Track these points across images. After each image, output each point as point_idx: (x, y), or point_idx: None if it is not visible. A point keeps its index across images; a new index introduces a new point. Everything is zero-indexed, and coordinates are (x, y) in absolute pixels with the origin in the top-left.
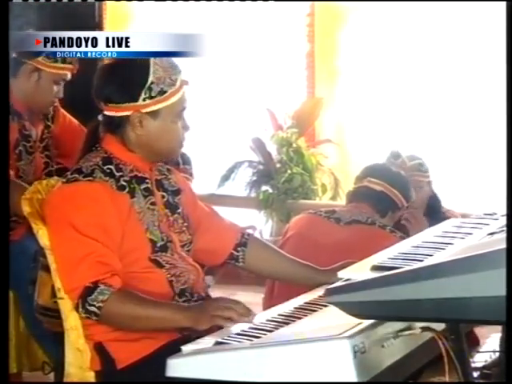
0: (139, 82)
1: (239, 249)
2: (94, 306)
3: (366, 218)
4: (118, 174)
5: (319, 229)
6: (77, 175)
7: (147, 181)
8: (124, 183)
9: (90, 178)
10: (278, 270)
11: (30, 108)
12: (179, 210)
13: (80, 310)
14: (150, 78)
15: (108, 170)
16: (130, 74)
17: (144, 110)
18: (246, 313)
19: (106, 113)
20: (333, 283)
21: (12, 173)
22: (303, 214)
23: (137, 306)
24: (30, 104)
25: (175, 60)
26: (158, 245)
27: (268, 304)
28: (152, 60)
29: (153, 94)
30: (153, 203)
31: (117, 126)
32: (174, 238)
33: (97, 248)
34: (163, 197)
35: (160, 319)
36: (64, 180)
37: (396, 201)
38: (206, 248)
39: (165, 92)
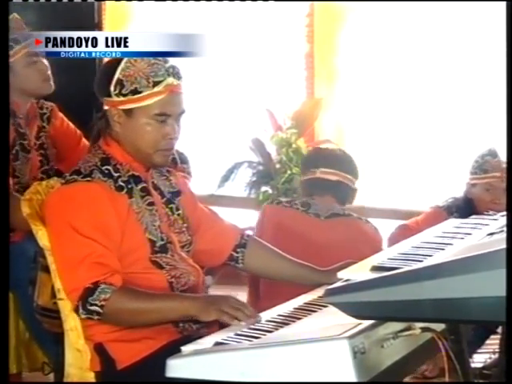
0: (107, 77)
1: (238, 250)
2: (95, 305)
3: (342, 211)
4: (115, 175)
5: (303, 225)
6: (75, 176)
7: (143, 181)
8: (122, 184)
9: (89, 179)
10: (277, 270)
11: (31, 94)
12: (179, 212)
13: (80, 311)
14: (117, 75)
15: (106, 171)
16: (104, 70)
17: (119, 107)
18: (253, 317)
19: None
20: (333, 283)
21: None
22: (274, 206)
23: (142, 300)
24: (28, 94)
25: (166, 64)
26: (158, 245)
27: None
28: (127, 58)
29: (124, 92)
30: (150, 203)
31: (105, 122)
32: (173, 239)
33: (96, 249)
34: (162, 197)
35: (167, 310)
36: (63, 181)
37: (353, 186)
38: (206, 249)
39: (139, 92)
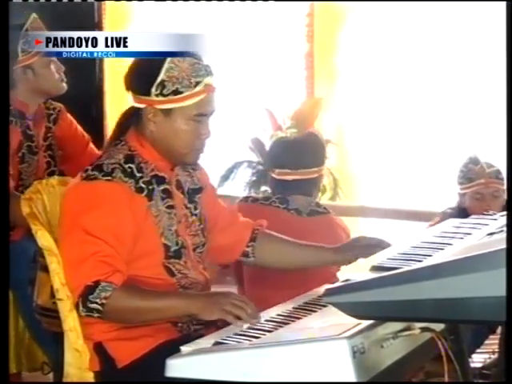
0: (150, 78)
1: (249, 244)
2: (96, 303)
3: (320, 207)
4: (138, 175)
5: (287, 224)
6: (97, 173)
7: (166, 181)
8: (143, 185)
9: (109, 178)
10: (289, 259)
11: (47, 93)
12: (197, 211)
13: (80, 308)
14: (161, 76)
15: (129, 170)
16: (144, 68)
17: (157, 106)
18: (255, 315)
19: (132, 103)
20: (346, 261)
21: (14, 176)
22: (250, 204)
23: (143, 298)
24: (43, 94)
25: (204, 63)
26: (172, 250)
27: None
28: (170, 58)
29: (165, 92)
30: (170, 206)
31: (136, 118)
32: (188, 242)
33: (103, 248)
34: (183, 197)
35: (169, 308)
36: (84, 175)
37: (314, 176)
38: (222, 245)
39: (180, 92)
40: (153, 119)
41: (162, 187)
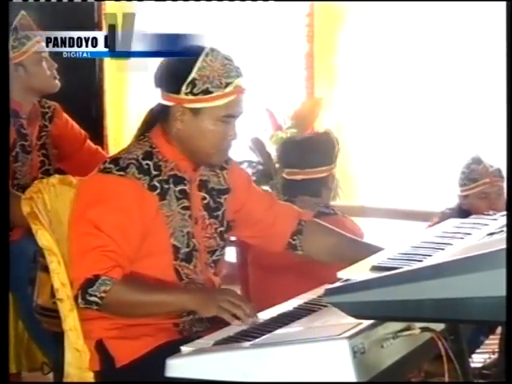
0: (181, 75)
1: (295, 237)
2: (95, 296)
3: (326, 209)
4: (154, 173)
5: None
6: (112, 166)
7: (185, 182)
8: (157, 184)
9: (123, 173)
10: (337, 253)
11: (39, 91)
12: (219, 213)
13: (79, 300)
14: (193, 74)
15: (146, 166)
16: (177, 66)
17: (186, 105)
18: (253, 314)
19: (159, 100)
20: None
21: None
22: None
23: (142, 292)
24: (36, 92)
25: (235, 64)
26: (182, 251)
27: None
28: (203, 57)
29: (195, 91)
30: (185, 207)
31: (163, 115)
32: (200, 245)
33: (106, 243)
34: (204, 198)
35: (167, 303)
36: (101, 167)
37: (323, 175)
38: (262, 236)
39: (210, 92)
40: (180, 118)
41: (179, 187)
